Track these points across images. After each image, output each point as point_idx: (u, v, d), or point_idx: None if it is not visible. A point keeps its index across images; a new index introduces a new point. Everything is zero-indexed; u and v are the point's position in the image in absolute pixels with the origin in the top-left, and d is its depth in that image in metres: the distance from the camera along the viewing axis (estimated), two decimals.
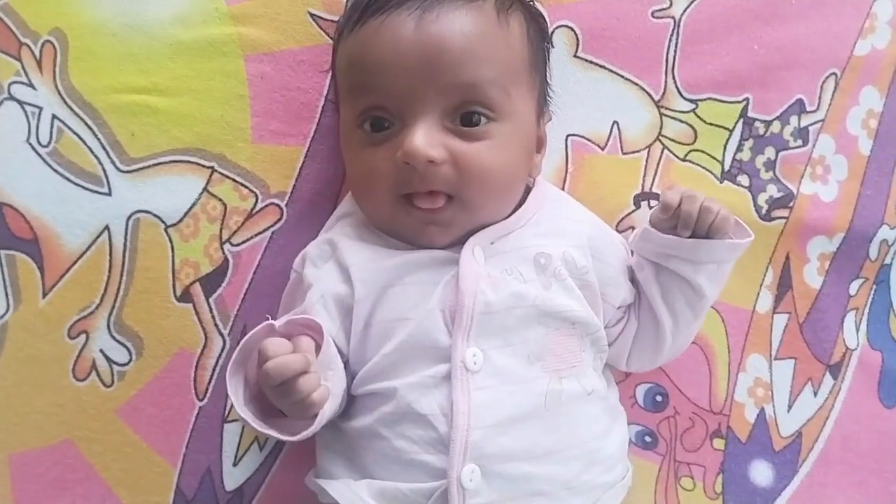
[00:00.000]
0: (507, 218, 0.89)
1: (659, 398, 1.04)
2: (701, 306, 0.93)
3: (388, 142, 0.83)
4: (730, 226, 0.89)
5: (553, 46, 1.00)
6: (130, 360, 0.96)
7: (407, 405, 0.81)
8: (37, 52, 0.94)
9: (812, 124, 1.07)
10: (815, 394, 1.07)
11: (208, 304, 0.97)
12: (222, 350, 0.98)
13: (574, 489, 0.83)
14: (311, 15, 0.98)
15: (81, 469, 0.96)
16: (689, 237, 0.88)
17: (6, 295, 0.95)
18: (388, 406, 0.82)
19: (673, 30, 1.04)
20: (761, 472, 1.06)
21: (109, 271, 0.96)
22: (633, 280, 0.95)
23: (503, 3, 0.87)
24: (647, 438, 1.04)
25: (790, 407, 1.07)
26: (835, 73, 1.08)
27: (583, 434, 0.84)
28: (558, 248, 0.87)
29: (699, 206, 0.88)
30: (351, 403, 0.88)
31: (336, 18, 0.97)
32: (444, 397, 0.80)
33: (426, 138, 0.80)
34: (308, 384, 0.73)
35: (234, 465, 0.98)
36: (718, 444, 1.06)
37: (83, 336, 0.96)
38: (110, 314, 0.96)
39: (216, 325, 0.97)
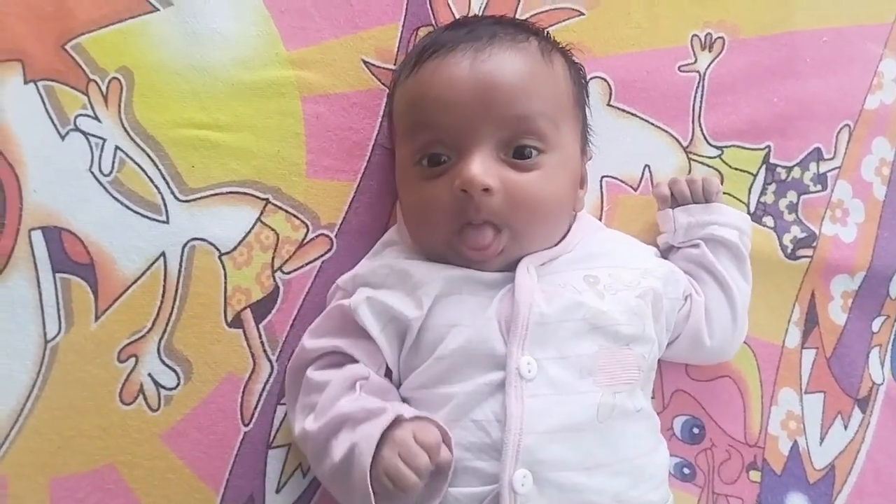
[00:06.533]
0: (555, 245, 0.71)
1: (696, 430, 0.81)
2: (744, 271, 0.79)
3: (445, 174, 0.67)
4: (718, 185, 0.81)
5: (588, 95, 0.81)
6: (178, 385, 0.73)
7: (462, 412, 0.63)
8: (104, 88, 0.74)
9: (830, 171, 0.88)
10: (846, 427, 0.85)
11: (258, 330, 0.75)
12: (270, 375, 0.75)
13: (623, 503, 0.64)
14: (365, 62, 0.79)
15: (122, 495, 0.71)
16: None
17: (59, 318, 0.72)
18: (441, 414, 0.64)
19: (698, 83, 0.86)
20: None
21: (163, 296, 0.74)
22: (686, 270, 0.79)
23: (546, 45, 0.71)
24: (686, 470, 0.80)
25: (822, 440, 0.84)
26: (848, 125, 0.89)
27: (632, 449, 0.66)
28: (605, 270, 0.70)
29: (684, 181, 0.81)
30: None
31: (387, 66, 0.79)
32: (499, 404, 0.63)
33: (482, 167, 0.65)
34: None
35: (277, 491, 0.74)
36: (755, 476, 0.82)
37: (132, 360, 0.72)
38: (161, 338, 0.73)
39: (265, 350, 0.75)
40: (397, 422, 0.60)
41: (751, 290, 0.80)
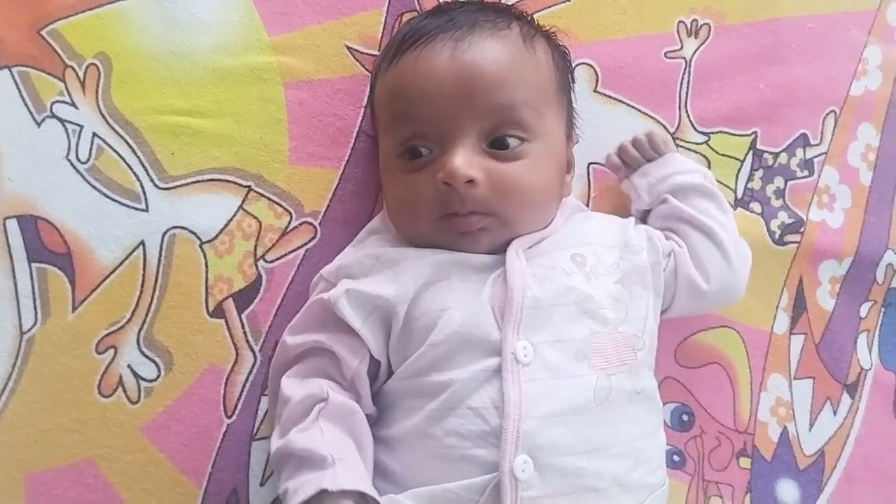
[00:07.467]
0: (543, 228, 0.68)
1: (685, 417, 0.78)
2: (721, 205, 0.76)
3: (428, 167, 0.65)
4: (663, 135, 0.80)
5: (574, 81, 0.78)
6: (159, 376, 0.70)
7: (458, 399, 0.60)
8: (81, 74, 0.71)
9: (816, 156, 0.86)
10: (835, 413, 0.83)
11: (240, 320, 0.72)
12: (253, 366, 0.72)
13: (624, 486, 0.61)
14: (348, 48, 0.76)
15: (101, 489, 0.68)
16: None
17: (35, 308, 0.68)
18: (436, 402, 0.61)
19: (684, 69, 0.83)
20: (788, 491, 0.80)
21: (142, 286, 0.70)
22: (664, 227, 0.76)
23: (528, 31, 0.68)
24: (676, 458, 0.78)
25: (811, 426, 0.82)
26: (834, 111, 0.87)
27: (631, 431, 0.63)
28: (590, 248, 0.68)
29: (630, 142, 0.79)
30: (390, 409, 0.64)
31: (371, 52, 0.76)
32: (495, 390, 0.60)
33: (465, 159, 0.62)
34: None
35: (262, 484, 0.71)
36: (745, 462, 0.80)
37: (111, 351, 0.69)
38: (141, 329, 0.70)
39: (247, 341, 0.72)
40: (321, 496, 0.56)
41: (734, 221, 0.76)
